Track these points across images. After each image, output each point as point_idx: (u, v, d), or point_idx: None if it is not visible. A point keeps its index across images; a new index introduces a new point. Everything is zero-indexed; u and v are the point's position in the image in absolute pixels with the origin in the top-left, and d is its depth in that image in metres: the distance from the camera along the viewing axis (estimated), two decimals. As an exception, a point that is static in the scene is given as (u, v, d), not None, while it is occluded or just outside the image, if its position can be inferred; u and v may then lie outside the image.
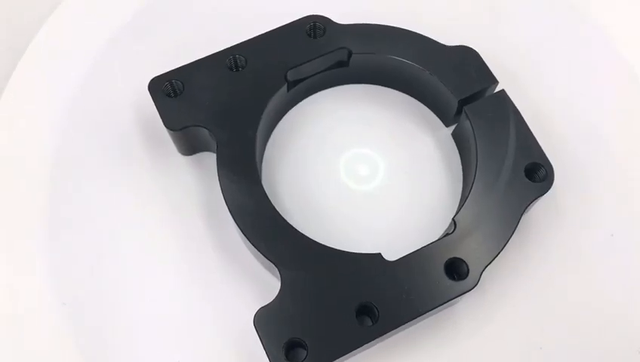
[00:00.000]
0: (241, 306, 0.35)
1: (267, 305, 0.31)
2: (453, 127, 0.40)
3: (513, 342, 0.35)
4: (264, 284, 0.36)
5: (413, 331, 0.35)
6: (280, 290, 0.32)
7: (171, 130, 0.36)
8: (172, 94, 0.37)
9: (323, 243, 0.33)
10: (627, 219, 0.38)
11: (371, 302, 0.31)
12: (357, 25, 0.39)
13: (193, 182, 0.39)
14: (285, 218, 0.34)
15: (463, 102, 0.38)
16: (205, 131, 0.36)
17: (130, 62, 0.43)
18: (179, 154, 0.39)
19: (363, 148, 0.40)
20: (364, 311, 0.32)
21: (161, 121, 0.36)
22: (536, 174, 0.35)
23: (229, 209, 0.33)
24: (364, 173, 0.39)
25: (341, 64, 0.39)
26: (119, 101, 0.41)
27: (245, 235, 0.33)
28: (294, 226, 0.34)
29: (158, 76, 0.37)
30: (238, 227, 0.33)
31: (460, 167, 0.39)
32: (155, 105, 0.36)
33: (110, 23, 0.44)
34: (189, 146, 0.38)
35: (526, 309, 0.36)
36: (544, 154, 0.35)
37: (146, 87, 0.37)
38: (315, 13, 0.39)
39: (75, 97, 0.42)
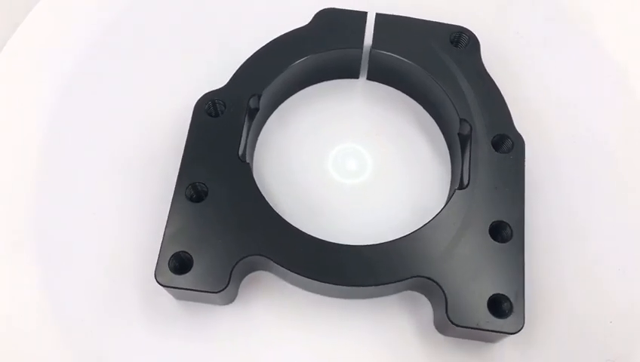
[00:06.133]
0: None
1: (447, 307, 0.32)
2: (364, 77, 0.42)
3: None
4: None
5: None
6: (445, 294, 0.32)
7: (220, 291, 0.32)
8: (182, 268, 0.32)
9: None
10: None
11: (505, 221, 0.33)
12: (236, 75, 0.37)
13: (257, 310, 0.35)
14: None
15: (368, 51, 0.40)
16: (244, 262, 0.32)
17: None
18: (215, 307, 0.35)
19: (343, 144, 0.40)
20: (498, 227, 0.34)
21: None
22: (460, 41, 0.39)
23: (358, 283, 0.32)
24: (352, 167, 0.39)
25: (257, 109, 0.38)
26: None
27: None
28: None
29: (157, 269, 0.32)
30: (384, 283, 0.32)
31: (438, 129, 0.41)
32: (183, 286, 0.32)
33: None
34: (233, 290, 0.34)
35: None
36: (454, 25, 0.39)
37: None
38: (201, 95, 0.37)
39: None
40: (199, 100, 0.36)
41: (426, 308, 0.35)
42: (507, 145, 0.36)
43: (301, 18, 0.39)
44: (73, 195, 0.38)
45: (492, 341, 0.34)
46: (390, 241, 0.33)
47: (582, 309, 0.36)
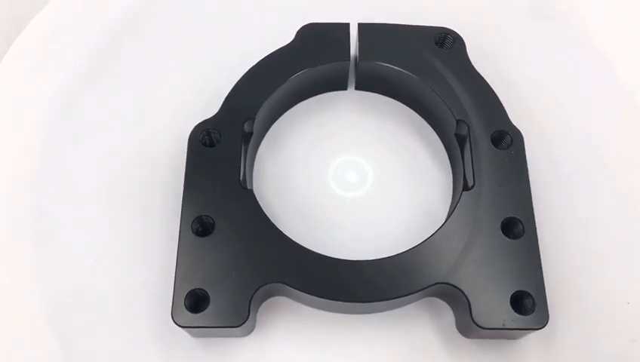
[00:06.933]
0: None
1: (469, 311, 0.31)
2: (352, 87, 0.42)
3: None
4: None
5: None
6: (468, 298, 0.32)
7: (241, 324, 0.31)
8: (199, 306, 0.31)
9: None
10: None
11: (515, 217, 0.34)
12: (227, 100, 0.37)
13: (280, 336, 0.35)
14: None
15: (355, 63, 0.40)
16: (261, 291, 0.32)
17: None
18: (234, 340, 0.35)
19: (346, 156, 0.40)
20: (509, 224, 0.34)
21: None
22: (445, 42, 0.39)
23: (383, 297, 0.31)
24: (353, 179, 0.39)
25: (251, 133, 0.37)
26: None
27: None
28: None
29: (173, 310, 0.31)
30: (405, 294, 0.31)
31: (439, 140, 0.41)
32: (202, 324, 0.31)
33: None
34: (251, 320, 0.34)
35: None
36: (437, 27, 0.39)
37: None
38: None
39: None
40: (193, 131, 0.36)
41: (445, 313, 0.35)
42: (506, 141, 0.36)
43: (284, 36, 0.39)
44: (71, 244, 0.37)
45: (516, 338, 0.34)
46: (406, 251, 0.33)
47: (597, 295, 0.36)
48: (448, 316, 0.35)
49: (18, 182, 0.39)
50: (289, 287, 0.32)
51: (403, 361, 0.34)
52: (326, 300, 0.31)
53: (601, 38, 0.44)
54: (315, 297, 0.31)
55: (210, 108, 0.37)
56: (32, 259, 0.36)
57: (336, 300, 0.31)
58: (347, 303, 0.32)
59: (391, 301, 0.32)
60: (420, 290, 0.32)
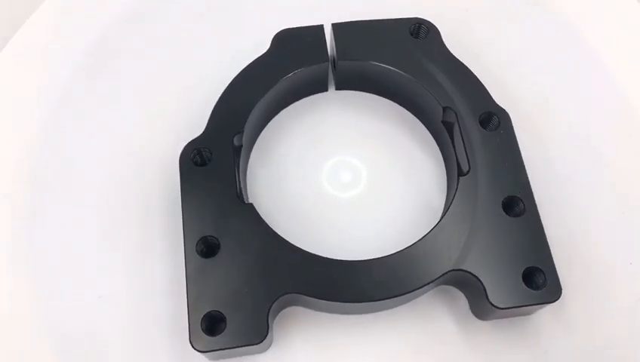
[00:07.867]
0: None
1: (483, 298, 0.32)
2: (333, 88, 0.42)
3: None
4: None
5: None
6: (482, 281, 0.32)
7: (262, 341, 0.30)
8: (216, 328, 0.31)
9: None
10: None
11: (515, 195, 0.34)
12: (212, 117, 0.36)
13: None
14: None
15: (333, 64, 0.40)
16: (276, 304, 0.31)
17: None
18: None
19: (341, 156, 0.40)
20: (509, 203, 0.34)
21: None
22: (420, 32, 0.40)
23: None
24: (348, 179, 0.39)
25: (241, 146, 0.37)
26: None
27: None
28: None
29: (191, 336, 0.30)
30: (420, 286, 0.31)
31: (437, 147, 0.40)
32: (222, 346, 0.30)
33: None
34: (270, 335, 0.33)
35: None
36: (410, 18, 0.39)
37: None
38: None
39: None
40: (183, 151, 0.35)
41: (458, 299, 0.36)
42: (494, 122, 0.36)
43: (259, 43, 0.39)
44: (74, 283, 0.36)
45: (530, 313, 0.35)
46: (414, 244, 0.33)
47: (600, 259, 0.37)
48: (461, 302, 0.35)
49: (16, 182, 0.39)
50: (304, 296, 0.31)
51: (423, 352, 0.34)
52: (342, 303, 0.31)
53: (577, 17, 0.45)
54: (331, 302, 0.31)
55: (197, 129, 0.36)
56: (36, 294, 0.36)
57: (354, 302, 0.31)
58: (363, 303, 0.32)
59: (405, 295, 0.32)
60: (433, 280, 0.32)
